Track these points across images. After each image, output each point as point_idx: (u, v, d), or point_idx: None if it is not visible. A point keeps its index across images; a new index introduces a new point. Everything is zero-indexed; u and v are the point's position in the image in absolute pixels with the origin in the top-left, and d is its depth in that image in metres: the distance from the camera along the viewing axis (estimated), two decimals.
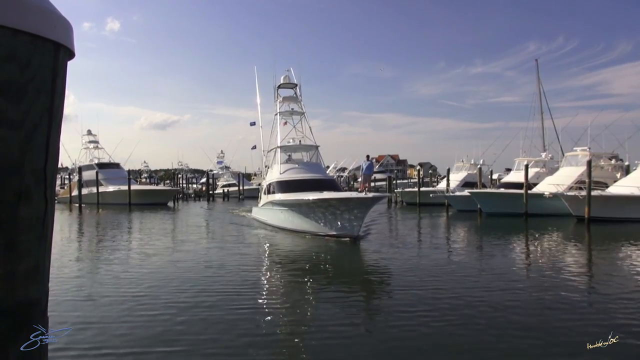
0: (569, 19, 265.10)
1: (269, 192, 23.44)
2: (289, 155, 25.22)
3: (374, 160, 23.64)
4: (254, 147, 33.87)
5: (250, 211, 30.13)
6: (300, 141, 25.71)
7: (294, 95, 27.49)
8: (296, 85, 27.58)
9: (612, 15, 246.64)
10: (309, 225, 18.69)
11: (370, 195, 17.53)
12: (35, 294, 1.00)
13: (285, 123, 26.98)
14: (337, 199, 17.37)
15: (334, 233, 17.63)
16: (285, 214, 20.31)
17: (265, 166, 28.04)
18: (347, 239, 17.15)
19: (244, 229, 22.87)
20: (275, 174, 23.34)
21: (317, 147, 25.15)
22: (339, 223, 17.45)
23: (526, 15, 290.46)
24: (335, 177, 35.97)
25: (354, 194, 17.95)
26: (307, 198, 17.93)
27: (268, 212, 23.10)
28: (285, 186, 21.52)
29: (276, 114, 26.96)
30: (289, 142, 25.60)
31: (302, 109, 26.84)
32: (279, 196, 21.08)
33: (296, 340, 6.88)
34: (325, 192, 19.05)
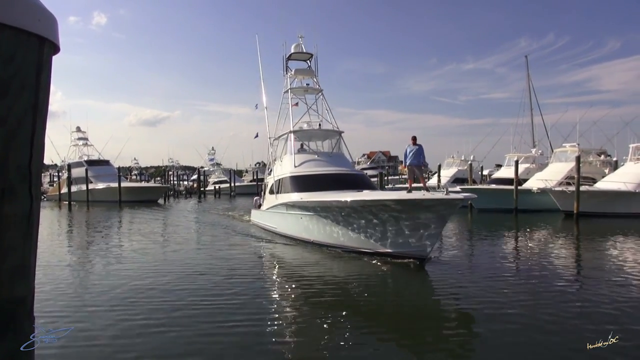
0: (560, 16, 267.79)
1: (278, 191, 18.25)
2: (302, 145, 20.37)
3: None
4: (257, 136, 27.53)
5: (243, 212, 26.92)
6: (320, 125, 20.46)
7: (309, 68, 22.06)
8: (311, 55, 22.02)
9: (602, 12, 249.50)
10: (347, 238, 13.49)
11: (461, 195, 11.69)
12: (20, 292, 0.98)
13: (297, 104, 21.52)
14: (404, 200, 11.65)
15: (390, 251, 12.34)
16: (307, 221, 15.07)
17: (273, 158, 21.78)
18: (410, 260, 11.87)
19: (244, 240, 17.45)
20: (287, 168, 18.04)
21: (340, 133, 19.95)
22: (399, 236, 12.08)
23: (517, 12, 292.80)
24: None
25: (427, 194, 11.91)
26: (344, 199, 12.78)
27: (279, 217, 17.58)
28: (303, 183, 16.66)
29: (286, 92, 21.39)
30: (301, 127, 20.34)
31: (318, 86, 21.47)
32: (296, 196, 15.93)
33: None
34: (365, 192, 14.64)
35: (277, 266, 12.87)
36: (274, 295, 9.39)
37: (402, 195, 12.29)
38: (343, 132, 20.04)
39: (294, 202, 15.70)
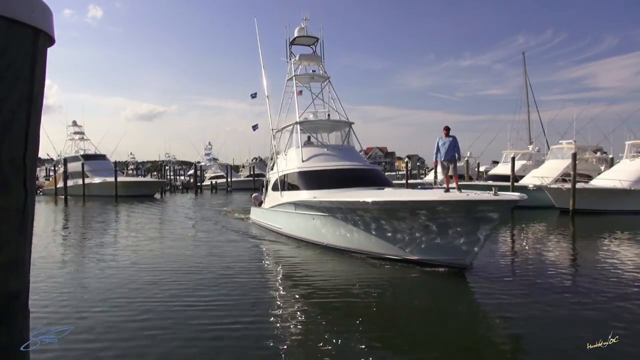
0: (558, 12, 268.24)
1: (283, 188, 16.89)
2: (309, 137, 18.70)
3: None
4: (256, 127, 24.36)
5: (241, 212, 25.81)
6: (329, 115, 18.73)
7: (314, 53, 20.38)
8: (317, 39, 20.31)
9: (600, 9, 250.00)
10: (369, 242, 12.08)
11: (515, 195, 9.98)
12: (15, 286, 0.97)
13: (301, 92, 19.70)
14: (448, 202, 10.10)
15: (422, 258, 10.92)
16: (320, 223, 13.69)
17: (276, 152, 19.86)
18: (443, 268, 10.51)
19: (246, 240, 16.23)
20: (294, 162, 16.67)
21: (350, 124, 18.43)
22: (436, 242, 10.66)
23: (515, 8, 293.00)
24: None
25: (473, 195, 10.29)
26: (364, 199, 11.39)
27: (285, 217, 16.19)
28: (314, 179, 15.27)
29: (289, 79, 19.79)
30: (306, 118, 18.55)
31: (325, 72, 19.83)
32: (307, 194, 14.60)
33: None
34: (388, 190, 13.59)
35: (284, 270, 11.57)
36: (280, 301, 8.63)
37: (443, 195, 10.65)
38: (353, 123, 18.50)
39: (304, 201, 14.36)
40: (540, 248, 14.80)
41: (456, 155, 11.73)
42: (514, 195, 10.02)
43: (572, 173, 23.65)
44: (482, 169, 49.37)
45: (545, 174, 28.63)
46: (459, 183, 11.84)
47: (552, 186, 25.41)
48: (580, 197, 23.31)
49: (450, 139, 11.61)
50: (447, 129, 11.70)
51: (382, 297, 8.82)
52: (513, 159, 29.49)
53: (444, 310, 8.11)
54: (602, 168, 30.15)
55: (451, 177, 11.73)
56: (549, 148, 35.01)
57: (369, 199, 11.29)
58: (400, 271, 10.70)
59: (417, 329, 7.21)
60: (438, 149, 11.75)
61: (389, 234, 11.46)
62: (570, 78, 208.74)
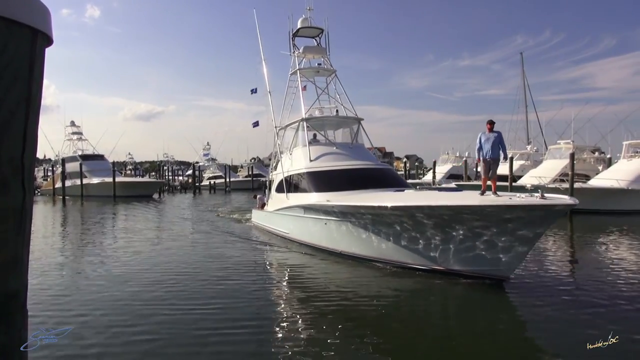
0: (556, 12, 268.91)
1: (289, 190, 15.88)
2: (315, 135, 17.35)
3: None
4: (256, 124, 23.01)
5: (236, 213, 25.34)
6: (337, 111, 17.50)
7: (319, 45, 19.28)
8: (322, 31, 19.17)
9: (598, 10, 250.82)
10: (390, 250, 10.89)
11: (569, 200, 9.15)
12: (13, 286, 0.97)
13: (305, 87, 18.58)
14: (487, 207, 8.87)
15: (451, 268, 9.84)
16: (334, 228, 12.55)
17: (280, 151, 18.74)
18: (478, 279, 9.47)
19: (249, 245, 15.19)
20: (300, 162, 15.65)
21: (359, 120, 17.20)
22: (472, 251, 9.52)
23: (514, 9, 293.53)
24: None
25: (517, 199, 9.08)
26: (384, 204, 10.18)
27: (293, 221, 14.97)
28: (324, 181, 14.19)
29: (293, 73, 18.65)
30: (311, 114, 17.31)
31: (331, 66, 18.63)
32: (317, 197, 13.55)
33: None
34: (408, 192, 12.59)
35: (295, 278, 10.68)
36: (291, 311, 7.97)
37: (479, 199, 9.56)
38: (362, 119, 17.30)
39: (315, 204, 13.16)
40: (539, 248, 14.80)
41: (502, 153, 10.47)
42: (567, 200, 8.93)
43: (570, 173, 23.69)
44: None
45: (543, 174, 28.66)
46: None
47: (550, 186, 25.44)
48: (577, 196, 23.30)
49: (495, 134, 10.39)
50: (491, 123, 10.43)
51: (407, 311, 8.13)
52: (511, 159, 29.50)
53: (482, 329, 7.18)
54: (600, 168, 30.20)
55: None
56: (547, 148, 35.08)
57: (388, 204, 10.09)
58: (429, 282, 9.64)
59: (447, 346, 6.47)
60: (481, 146, 10.50)
61: (416, 242, 10.22)
62: (569, 78, 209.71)
